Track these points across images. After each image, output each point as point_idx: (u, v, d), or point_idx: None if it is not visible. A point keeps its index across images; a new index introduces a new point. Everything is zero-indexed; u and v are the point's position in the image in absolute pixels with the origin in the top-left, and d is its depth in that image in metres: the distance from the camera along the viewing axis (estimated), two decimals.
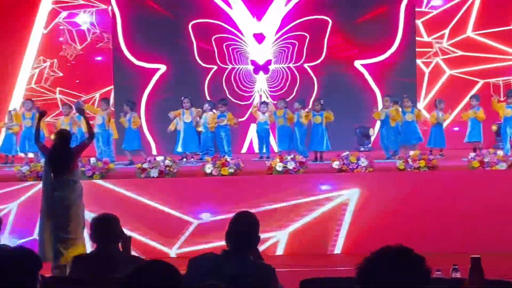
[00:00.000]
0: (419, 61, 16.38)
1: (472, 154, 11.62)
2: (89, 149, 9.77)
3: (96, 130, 13.04)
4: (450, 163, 12.39)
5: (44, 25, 16.66)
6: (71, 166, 8.44)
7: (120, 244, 5.31)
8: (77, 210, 8.36)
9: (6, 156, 14.31)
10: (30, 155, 14.02)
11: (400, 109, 13.77)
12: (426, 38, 16.45)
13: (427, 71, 16.46)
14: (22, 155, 14.08)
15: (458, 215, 10.68)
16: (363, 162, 11.31)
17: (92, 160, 11.63)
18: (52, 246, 8.19)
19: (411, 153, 11.64)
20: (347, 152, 11.68)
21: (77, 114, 13.31)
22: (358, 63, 16.54)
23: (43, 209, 8.42)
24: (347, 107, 15.80)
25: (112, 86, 16.62)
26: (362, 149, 15.22)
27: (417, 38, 16.29)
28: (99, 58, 16.95)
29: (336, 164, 11.37)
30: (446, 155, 13.60)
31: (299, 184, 11.13)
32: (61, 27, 16.68)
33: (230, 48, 16.80)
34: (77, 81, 16.75)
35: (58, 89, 16.68)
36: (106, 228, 5.19)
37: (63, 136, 8.85)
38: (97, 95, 16.52)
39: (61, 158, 8.36)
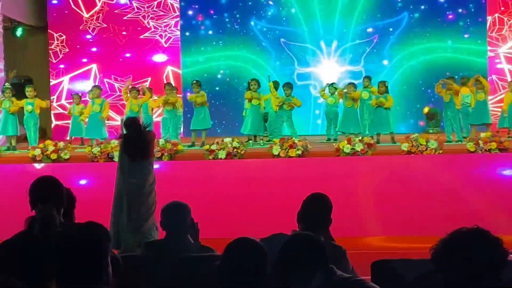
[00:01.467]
0: None
1: None
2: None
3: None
4: None
5: None
6: (147, 153, 8.52)
7: (189, 232, 5.27)
8: (149, 197, 8.43)
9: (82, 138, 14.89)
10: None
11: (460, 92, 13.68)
12: None
13: None
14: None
15: None
16: (433, 144, 11.13)
17: (161, 141, 11.76)
18: (122, 232, 8.25)
19: (482, 135, 11.41)
20: (416, 134, 11.53)
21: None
22: None
23: (117, 196, 8.50)
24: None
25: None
26: (431, 131, 15.04)
27: None
28: None
29: (405, 146, 11.22)
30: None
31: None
32: None
33: None
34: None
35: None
36: (177, 216, 5.15)
37: (136, 122, 9.00)
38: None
39: (137, 146, 8.45)
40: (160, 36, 17.96)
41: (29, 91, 14.52)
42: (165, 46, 17.97)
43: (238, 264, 3.28)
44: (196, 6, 17.91)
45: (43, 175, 4.53)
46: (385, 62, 17.59)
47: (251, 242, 3.41)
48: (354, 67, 17.63)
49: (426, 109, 16.23)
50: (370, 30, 17.61)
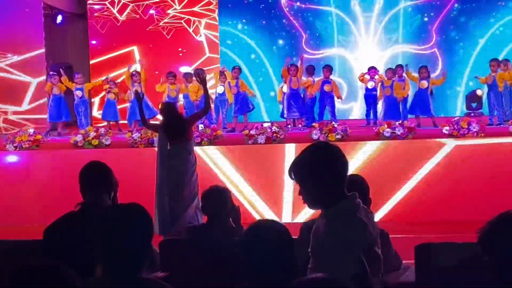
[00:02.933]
0: None
1: None
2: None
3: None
4: None
5: None
6: (186, 136, 8.57)
7: (230, 217, 5.28)
8: (191, 179, 8.49)
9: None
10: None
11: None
12: None
13: None
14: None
15: None
16: (475, 127, 11.00)
17: (201, 126, 11.81)
18: (167, 218, 8.29)
19: None
20: (457, 117, 11.42)
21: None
22: None
23: (159, 180, 8.57)
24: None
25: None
26: (472, 114, 14.88)
27: None
28: None
29: (446, 130, 11.11)
30: None
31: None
32: None
33: None
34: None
35: None
36: (218, 200, 5.18)
37: (172, 107, 9.14)
38: None
39: (176, 128, 8.51)
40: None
41: (78, 77, 14.80)
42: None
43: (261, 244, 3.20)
44: None
45: (92, 160, 4.59)
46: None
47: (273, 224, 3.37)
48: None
49: (479, 91, 15.94)
50: None
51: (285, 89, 14.48)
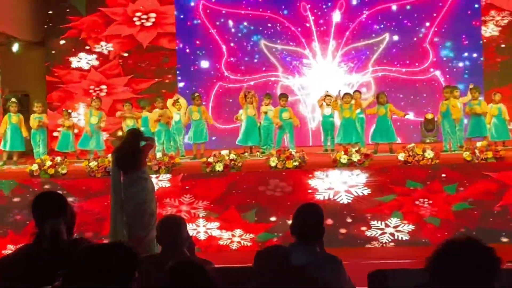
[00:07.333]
0: None
1: None
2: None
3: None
4: None
5: None
6: (138, 165, 8.55)
7: (185, 247, 5.23)
8: (149, 206, 8.45)
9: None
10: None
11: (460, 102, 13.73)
12: None
13: None
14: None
15: None
16: (429, 154, 11.15)
17: (158, 155, 11.78)
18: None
19: (478, 144, 11.44)
20: (412, 144, 11.57)
21: None
22: None
23: (114, 207, 8.52)
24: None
25: None
26: (427, 140, 15.07)
27: None
28: None
29: (401, 156, 11.24)
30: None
31: None
32: None
33: None
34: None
35: None
36: (172, 230, 5.08)
37: (136, 134, 9.01)
38: None
39: (129, 156, 8.48)
40: None
41: (38, 106, 14.68)
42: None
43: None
44: None
45: (47, 190, 4.57)
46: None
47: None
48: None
49: (429, 115, 16.19)
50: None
51: (243, 116, 14.55)
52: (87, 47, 18.04)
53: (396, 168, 11.13)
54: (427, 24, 17.32)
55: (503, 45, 17.03)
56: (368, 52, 17.56)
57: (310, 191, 10.94)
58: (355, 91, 15.21)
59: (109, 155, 9.64)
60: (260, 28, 17.76)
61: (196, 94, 14.79)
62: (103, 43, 18.00)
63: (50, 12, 18.14)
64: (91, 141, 14.76)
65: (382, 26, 17.51)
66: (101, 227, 10.75)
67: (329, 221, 10.46)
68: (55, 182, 11.34)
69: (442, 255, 2.82)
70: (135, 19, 17.97)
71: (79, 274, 3.06)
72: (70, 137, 15.08)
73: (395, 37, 17.52)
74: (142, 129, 13.32)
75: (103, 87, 17.97)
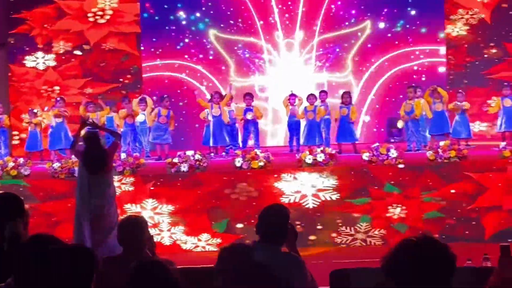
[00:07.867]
0: None
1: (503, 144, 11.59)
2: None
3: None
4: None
5: None
6: (107, 166, 8.50)
7: (147, 247, 5.20)
8: (110, 210, 8.41)
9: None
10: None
11: (423, 101, 13.72)
12: None
13: None
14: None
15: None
16: (393, 153, 11.23)
17: (123, 155, 11.72)
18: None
19: (441, 143, 11.54)
20: (377, 144, 11.64)
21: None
22: None
23: (78, 209, 8.46)
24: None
25: None
26: (392, 140, 15.15)
27: None
28: None
29: (366, 156, 11.32)
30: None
31: None
32: None
33: None
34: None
35: None
36: (133, 230, 5.04)
37: (94, 136, 8.85)
38: None
39: (96, 158, 8.42)
40: None
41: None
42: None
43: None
44: None
45: (3, 192, 4.57)
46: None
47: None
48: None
49: (400, 124, 16.10)
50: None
51: (210, 117, 14.39)
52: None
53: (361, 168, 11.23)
54: None
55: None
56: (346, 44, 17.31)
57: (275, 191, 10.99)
58: (322, 91, 14.96)
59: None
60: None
61: (165, 96, 14.64)
62: (61, 42, 17.54)
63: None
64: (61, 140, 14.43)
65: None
66: (53, 231, 10.60)
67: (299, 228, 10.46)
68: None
69: (396, 253, 2.84)
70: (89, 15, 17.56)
71: (35, 275, 3.03)
72: (38, 136, 14.77)
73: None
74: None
75: (56, 88, 17.52)
